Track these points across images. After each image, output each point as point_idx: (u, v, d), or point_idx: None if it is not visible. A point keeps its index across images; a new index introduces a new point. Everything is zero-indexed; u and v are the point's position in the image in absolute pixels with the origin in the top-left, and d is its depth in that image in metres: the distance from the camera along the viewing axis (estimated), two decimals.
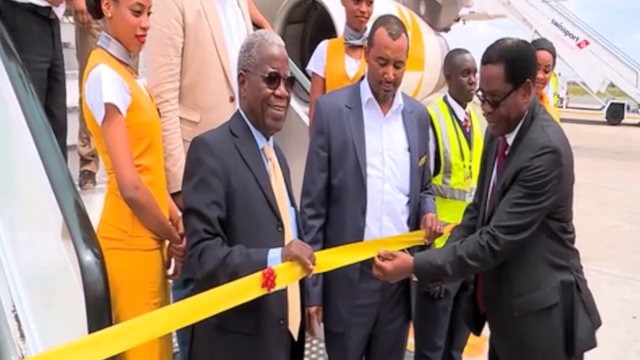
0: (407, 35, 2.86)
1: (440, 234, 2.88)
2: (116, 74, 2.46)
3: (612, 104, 26.63)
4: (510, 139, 2.60)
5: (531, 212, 2.44)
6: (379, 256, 2.63)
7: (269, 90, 2.35)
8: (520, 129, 2.56)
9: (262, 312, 2.33)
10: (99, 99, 2.40)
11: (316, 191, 2.90)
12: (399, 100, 2.94)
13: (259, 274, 2.14)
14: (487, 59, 2.52)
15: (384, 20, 2.87)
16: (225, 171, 2.28)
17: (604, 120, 26.29)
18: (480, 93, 2.58)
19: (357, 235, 2.84)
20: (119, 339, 1.90)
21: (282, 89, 2.37)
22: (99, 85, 2.41)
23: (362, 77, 3.01)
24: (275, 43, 2.41)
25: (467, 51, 3.75)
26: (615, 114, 26.30)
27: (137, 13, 2.52)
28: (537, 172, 2.42)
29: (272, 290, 2.16)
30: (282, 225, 2.39)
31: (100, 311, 2.33)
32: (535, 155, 2.42)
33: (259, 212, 2.34)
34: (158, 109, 2.74)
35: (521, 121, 2.55)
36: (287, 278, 2.23)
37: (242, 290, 2.12)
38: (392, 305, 2.99)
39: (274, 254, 2.23)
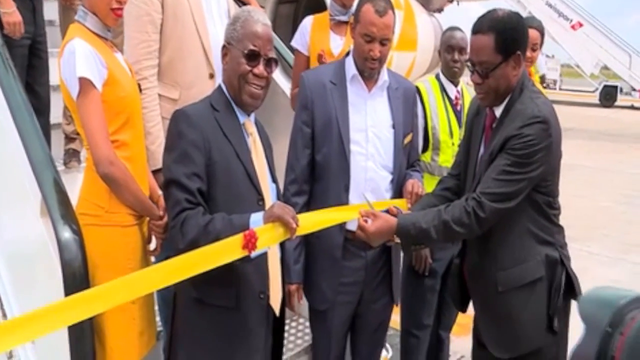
0: (393, 12, 2.82)
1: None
2: (91, 47, 2.43)
3: (605, 86, 26.57)
4: (498, 111, 2.56)
5: (518, 181, 2.41)
6: (361, 217, 2.60)
7: (248, 67, 2.35)
8: (508, 101, 2.52)
9: (242, 286, 2.32)
10: (73, 73, 2.37)
11: (300, 168, 2.86)
12: (384, 77, 2.90)
13: (239, 235, 2.11)
14: (477, 29, 2.48)
15: None
16: (206, 144, 2.27)
17: (597, 102, 26.28)
18: (469, 63, 2.55)
19: None
20: (94, 301, 1.89)
21: (260, 68, 2.36)
22: (72, 59, 2.38)
23: (348, 53, 2.97)
24: (260, 21, 2.39)
25: (459, 29, 3.72)
26: (608, 97, 26.27)
27: None
28: (526, 140, 2.38)
29: (254, 252, 2.14)
30: (262, 200, 2.37)
31: (78, 288, 2.29)
32: (525, 125, 2.39)
33: (239, 186, 2.33)
34: (139, 85, 2.70)
35: (510, 94, 2.52)
36: (269, 239, 2.21)
37: (223, 251, 2.09)
38: (377, 284, 2.96)
39: (256, 217, 2.21)
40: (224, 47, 2.42)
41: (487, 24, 2.46)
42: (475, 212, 2.44)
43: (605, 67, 24.82)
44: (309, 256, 2.91)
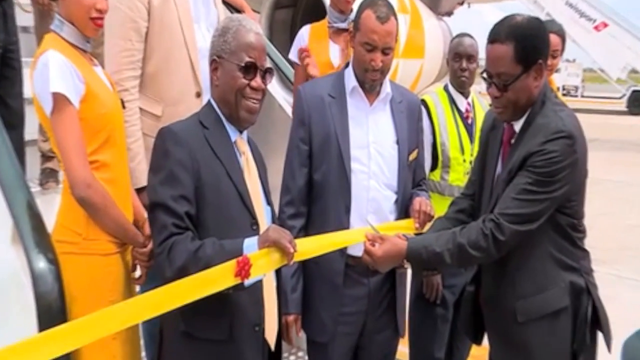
0: (396, 17, 2.84)
1: (432, 217, 2.84)
2: (67, 60, 2.43)
3: (634, 91, 26.58)
4: (517, 125, 2.55)
5: (540, 201, 2.39)
6: (368, 240, 2.59)
7: (245, 81, 2.35)
8: (529, 114, 2.50)
9: (235, 317, 2.32)
10: (47, 88, 2.37)
11: (296, 188, 2.86)
12: (386, 89, 2.91)
13: (232, 262, 2.10)
14: (494, 38, 2.45)
15: (371, 1, 2.83)
16: (195, 164, 2.26)
17: (625, 109, 26.28)
18: (485, 75, 2.52)
19: None
20: (71, 336, 1.87)
21: (258, 81, 2.37)
22: (46, 73, 2.38)
23: (347, 64, 2.98)
24: (252, 30, 2.40)
25: (468, 35, 3.72)
26: (637, 103, 26.28)
27: None
28: (549, 157, 2.36)
29: (248, 280, 2.12)
30: (256, 224, 2.37)
31: (54, 323, 2.26)
32: (548, 140, 2.37)
33: (231, 209, 2.33)
34: (122, 100, 2.71)
35: (531, 107, 2.50)
36: (264, 266, 2.19)
37: (213, 279, 2.07)
38: (380, 313, 2.95)
39: (250, 241, 2.20)
40: (213, 61, 2.41)
41: (505, 31, 2.43)
42: (493, 235, 2.42)
43: (634, 71, 24.77)
44: (307, 284, 2.91)
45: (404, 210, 2.92)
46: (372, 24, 2.75)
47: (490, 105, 2.63)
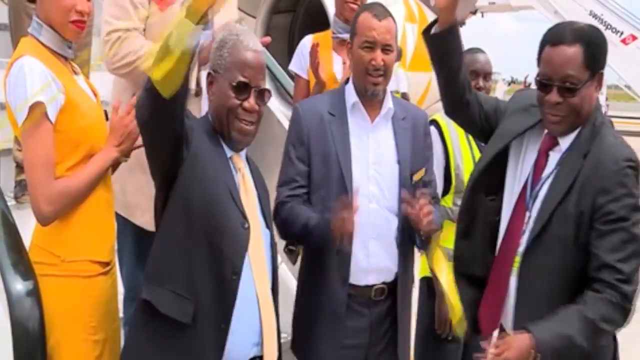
0: (394, 20, 2.93)
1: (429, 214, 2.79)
2: (45, 67, 2.43)
3: None
4: (565, 142, 2.56)
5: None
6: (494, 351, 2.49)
7: (236, 101, 2.39)
8: (581, 131, 2.53)
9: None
10: (21, 97, 2.38)
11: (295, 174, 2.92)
12: (388, 104, 2.95)
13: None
14: (558, 40, 2.46)
15: (366, 5, 2.99)
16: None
17: None
18: (544, 79, 2.50)
19: (342, 263, 2.85)
20: None
21: (251, 102, 2.41)
22: (21, 80, 2.39)
23: (347, 80, 3.04)
24: (250, 48, 2.44)
25: (481, 51, 3.76)
26: None
27: None
28: (632, 203, 2.42)
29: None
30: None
31: (32, 353, 2.31)
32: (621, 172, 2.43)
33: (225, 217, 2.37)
34: (105, 112, 2.73)
35: (584, 123, 2.53)
36: None
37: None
38: (382, 348, 2.98)
39: None
40: (209, 74, 2.46)
41: (572, 34, 2.45)
42: (622, 306, 2.41)
43: None
44: (307, 314, 2.94)
45: (407, 234, 2.96)
46: (369, 22, 2.86)
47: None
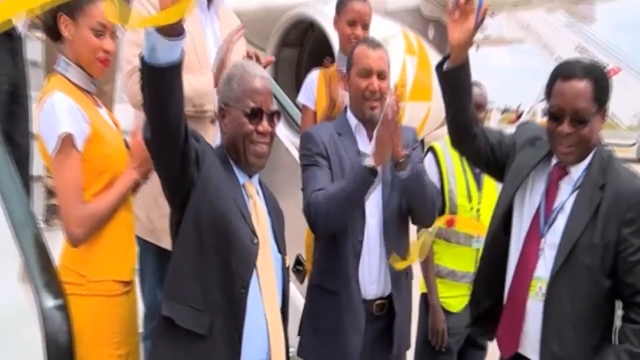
0: (387, 53, 3.06)
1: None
2: (73, 102, 2.53)
3: None
4: (575, 169, 2.65)
5: None
6: None
7: (251, 127, 2.44)
8: (592, 163, 2.62)
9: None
10: (53, 129, 2.48)
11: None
12: None
13: None
14: (570, 74, 2.55)
15: (361, 39, 3.20)
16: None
17: (635, 158, 26.31)
18: (556, 111, 2.59)
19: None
20: None
21: (265, 125, 2.45)
22: (53, 114, 2.48)
23: (345, 108, 3.17)
24: (257, 75, 2.50)
25: (477, 84, 3.83)
26: None
27: (99, 34, 2.60)
28: None
29: None
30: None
31: None
32: None
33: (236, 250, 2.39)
34: (125, 141, 2.80)
35: (592, 153, 2.62)
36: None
37: None
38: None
39: None
40: (220, 108, 2.52)
41: (581, 70, 2.55)
42: None
43: None
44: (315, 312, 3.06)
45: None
46: (365, 52, 3.02)
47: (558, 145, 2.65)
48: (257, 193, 2.55)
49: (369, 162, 2.74)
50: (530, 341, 2.68)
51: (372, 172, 2.75)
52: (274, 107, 2.52)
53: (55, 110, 2.48)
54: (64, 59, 2.64)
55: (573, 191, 2.63)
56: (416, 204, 3.02)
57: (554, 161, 2.71)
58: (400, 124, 2.76)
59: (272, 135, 2.50)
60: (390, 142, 2.75)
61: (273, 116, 2.50)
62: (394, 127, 2.73)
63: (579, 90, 2.52)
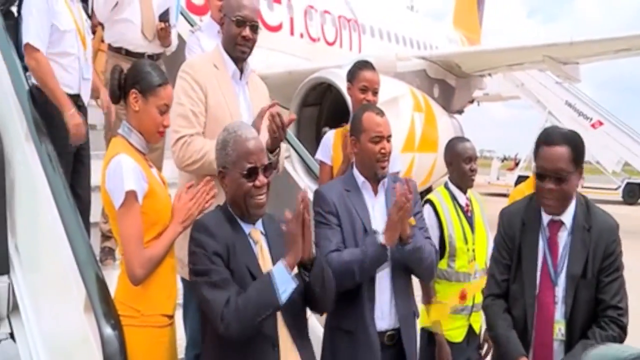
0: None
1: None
2: (136, 163, 2.66)
3: (628, 183, 26.56)
4: (567, 218, 2.79)
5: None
6: None
7: (249, 184, 2.48)
8: (577, 210, 2.79)
9: None
10: (120, 186, 2.59)
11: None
12: (385, 183, 3.12)
13: None
14: (551, 141, 2.70)
15: (365, 106, 3.20)
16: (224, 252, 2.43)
17: (621, 199, 26.14)
18: (541, 171, 2.73)
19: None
20: None
21: (261, 179, 2.49)
22: (119, 173, 2.60)
23: (352, 165, 3.20)
24: (249, 138, 2.52)
25: (467, 140, 3.97)
26: (631, 194, 26.15)
27: (163, 112, 2.76)
28: (620, 252, 2.75)
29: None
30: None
31: None
32: (615, 238, 2.75)
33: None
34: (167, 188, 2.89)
35: (573, 202, 2.78)
36: None
37: None
38: None
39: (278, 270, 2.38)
40: (220, 171, 2.56)
41: (560, 137, 2.70)
42: (620, 337, 2.63)
43: (627, 164, 24.83)
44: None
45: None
46: (375, 120, 3.04)
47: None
48: (262, 234, 2.60)
49: (381, 239, 2.82)
50: None
51: (384, 247, 2.83)
52: (266, 160, 2.55)
53: (122, 170, 2.59)
54: (127, 125, 2.77)
55: (568, 236, 2.78)
56: (415, 269, 3.07)
57: (545, 218, 2.83)
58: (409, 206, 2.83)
59: (269, 185, 2.54)
60: (401, 224, 2.83)
61: (267, 168, 2.53)
62: (404, 213, 2.81)
63: (559, 155, 2.67)
